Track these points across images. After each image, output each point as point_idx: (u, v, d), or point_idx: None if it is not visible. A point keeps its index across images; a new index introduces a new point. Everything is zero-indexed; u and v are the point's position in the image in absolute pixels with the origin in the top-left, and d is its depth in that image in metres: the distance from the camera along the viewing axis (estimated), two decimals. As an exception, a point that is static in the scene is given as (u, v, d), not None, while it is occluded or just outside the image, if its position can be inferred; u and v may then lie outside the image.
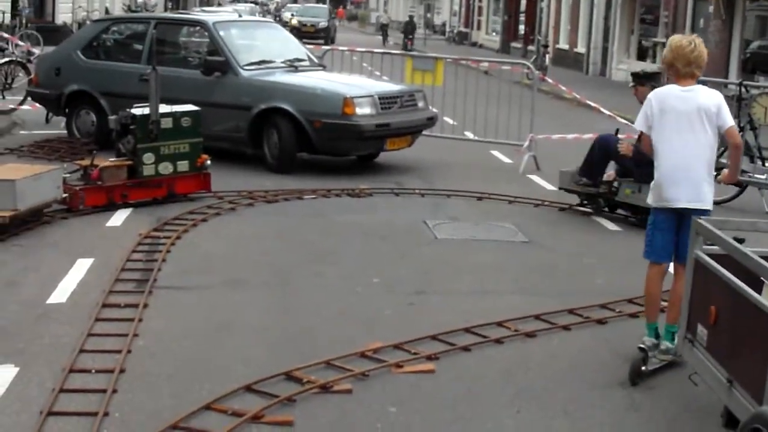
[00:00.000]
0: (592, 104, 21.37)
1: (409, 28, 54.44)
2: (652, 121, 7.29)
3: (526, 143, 15.87)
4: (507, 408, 6.53)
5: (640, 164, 11.61)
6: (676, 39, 7.35)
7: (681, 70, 7.24)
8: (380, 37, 61.09)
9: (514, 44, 53.58)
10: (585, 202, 12.70)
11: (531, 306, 8.56)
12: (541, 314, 8.31)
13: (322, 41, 42.71)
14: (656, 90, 7.50)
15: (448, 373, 7.07)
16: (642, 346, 7.18)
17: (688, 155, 7.15)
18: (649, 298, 7.42)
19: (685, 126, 7.15)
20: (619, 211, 12.43)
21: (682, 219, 7.12)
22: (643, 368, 7.09)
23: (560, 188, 12.97)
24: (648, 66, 32.84)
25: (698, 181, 7.15)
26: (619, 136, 12.40)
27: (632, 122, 11.71)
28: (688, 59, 7.20)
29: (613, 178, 12.17)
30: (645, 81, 11.57)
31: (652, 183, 7.36)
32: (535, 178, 14.98)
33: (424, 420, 6.29)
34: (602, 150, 12.17)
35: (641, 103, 11.53)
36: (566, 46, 44.63)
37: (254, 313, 8.21)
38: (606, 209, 12.49)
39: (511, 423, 6.32)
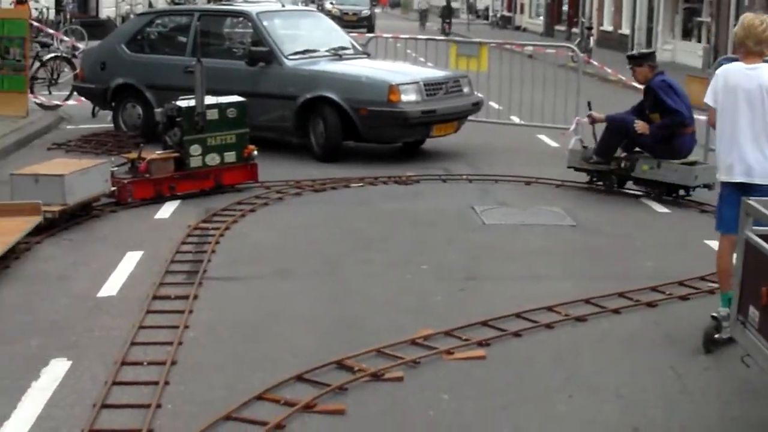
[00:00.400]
0: (638, 86, 21.21)
1: (446, 12, 54.51)
2: (718, 96, 7.37)
3: (573, 126, 15.78)
4: (559, 393, 6.50)
5: (658, 141, 11.79)
6: (749, 17, 7.42)
7: (752, 48, 7.31)
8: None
9: (558, 27, 53.31)
10: (595, 179, 12.82)
11: (581, 290, 8.52)
12: (591, 298, 8.27)
13: (365, 30, 42.51)
14: (724, 66, 7.59)
15: (499, 359, 7.05)
16: (714, 314, 7.23)
17: (747, 131, 7.24)
18: (721, 268, 7.47)
19: (746, 102, 7.23)
20: (630, 186, 12.62)
21: (745, 193, 7.08)
22: (716, 336, 7.15)
23: (569, 167, 13.02)
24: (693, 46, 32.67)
25: (756, 156, 7.22)
26: (632, 116, 12.35)
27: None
28: (759, 38, 7.27)
29: (622, 155, 12.36)
30: (642, 61, 11.93)
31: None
32: (582, 161, 14.87)
33: (476, 406, 6.28)
34: (618, 129, 12.29)
35: (641, 83, 12.02)
36: (610, 28, 44.34)
37: (304, 303, 8.23)
38: (616, 186, 12.64)
39: (563, 408, 6.30)
